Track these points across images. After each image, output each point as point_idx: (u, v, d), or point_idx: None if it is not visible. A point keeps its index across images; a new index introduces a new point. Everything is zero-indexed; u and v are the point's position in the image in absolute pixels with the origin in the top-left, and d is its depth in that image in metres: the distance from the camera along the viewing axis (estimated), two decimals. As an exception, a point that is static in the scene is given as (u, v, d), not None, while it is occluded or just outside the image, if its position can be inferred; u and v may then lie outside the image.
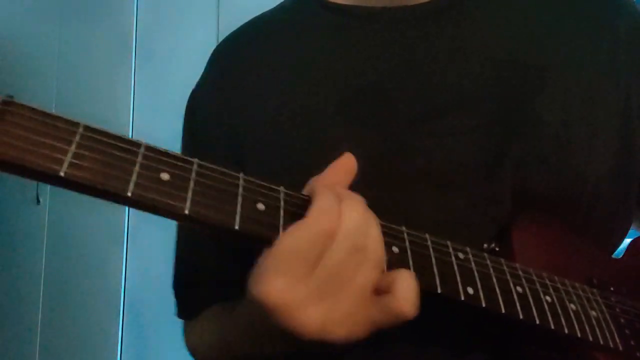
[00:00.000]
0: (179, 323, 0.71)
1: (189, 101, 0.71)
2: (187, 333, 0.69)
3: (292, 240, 0.39)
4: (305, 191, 0.44)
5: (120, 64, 2.71)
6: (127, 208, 2.96)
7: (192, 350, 0.67)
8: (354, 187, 0.57)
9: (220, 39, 0.73)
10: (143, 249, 2.59)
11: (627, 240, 0.67)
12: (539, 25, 0.63)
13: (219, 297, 0.64)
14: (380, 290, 0.42)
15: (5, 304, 2.63)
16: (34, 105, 0.36)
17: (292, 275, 0.38)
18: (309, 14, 0.67)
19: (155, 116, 2.53)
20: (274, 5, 0.72)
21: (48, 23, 2.78)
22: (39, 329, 2.60)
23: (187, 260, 0.69)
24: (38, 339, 2.60)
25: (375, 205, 0.48)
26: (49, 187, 2.59)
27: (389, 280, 0.42)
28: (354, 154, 0.58)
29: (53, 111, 0.37)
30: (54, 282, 2.61)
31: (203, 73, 0.71)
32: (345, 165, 0.47)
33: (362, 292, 0.41)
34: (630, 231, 0.72)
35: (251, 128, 0.63)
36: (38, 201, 2.62)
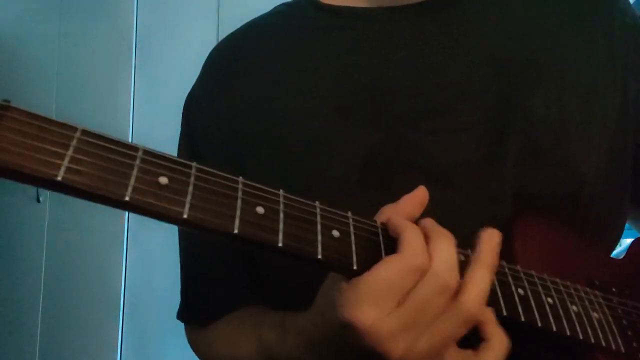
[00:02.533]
0: (178, 323, 0.71)
1: (186, 103, 0.70)
2: (198, 340, 0.68)
3: (388, 272, 0.41)
4: (381, 218, 0.46)
5: (120, 64, 2.71)
6: (127, 208, 2.96)
7: (203, 354, 0.67)
8: (351, 185, 0.57)
9: (220, 39, 0.73)
10: (143, 250, 2.59)
11: (627, 241, 0.67)
12: (535, 22, 0.63)
13: (231, 304, 0.64)
14: None
15: (5, 304, 2.63)
16: (31, 109, 0.35)
17: (384, 305, 0.41)
18: (305, 16, 0.67)
19: (155, 116, 2.53)
20: (274, 4, 0.72)
21: (48, 23, 2.77)
22: (39, 329, 2.60)
23: (195, 264, 0.69)
24: (38, 339, 2.59)
25: (374, 203, 0.48)
26: (49, 187, 2.60)
27: (483, 336, 0.45)
28: (352, 153, 0.58)
29: (53, 111, 0.36)
30: (54, 282, 2.61)
31: (200, 75, 0.71)
32: (420, 198, 0.48)
33: (447, 336, 0.43)
34: (631, 231, 0.72)
35: (249, 130, 0.63)
36: (38, 200, 2.61)
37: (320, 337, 0.48)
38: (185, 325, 0.71)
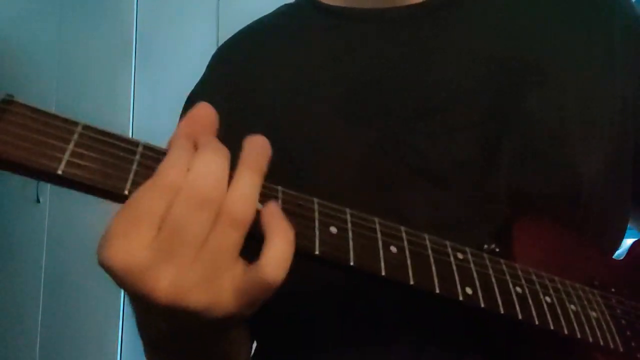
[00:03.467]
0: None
1: (186, 102, 0.71)
2: None
3: (134, 198, 0.36)
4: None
5: (120, 64, 2.71)
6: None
7: None
8: (348, 185, 0.57)
9: (220, 39, 0.73)
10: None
11: (628, 242, 0.67)
12: (534, 23, 0.63)
13: None
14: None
15: (5, 304, 2.63)
16: (34, 104, 0.36)
17: (135, 236, 0.35)
18: (305, 17, 0.68)
19: (155, 116, 2.53)
20: (274, 5, 0.73)
21: (48, 23, 2.78)
22: (39, 329, 2.60)
23: None
24: (38, 339, 2.60)
25: (369, 203, 0.47)
26: (49, 186, 2.60)
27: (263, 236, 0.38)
28: (348, 153, 0.58)
29: (53, 111, 0.37)
30: (54, 282, 2.61)
31: (202, 76, 0.71)
32: (199, 116, 0.41)
33: (220, 254, 0.36)
34: (632, 232, 0.72)
35: (248, 129, 0.63)
36: (38, 201, 2.62)
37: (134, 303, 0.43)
38: None
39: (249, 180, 0.38)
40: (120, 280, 0.36)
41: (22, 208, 2.65)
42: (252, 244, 0.38)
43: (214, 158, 0.37)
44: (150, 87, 2.69)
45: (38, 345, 2.59)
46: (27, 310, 2.61)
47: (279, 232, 0.38)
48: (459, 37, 0.61)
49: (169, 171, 0.36)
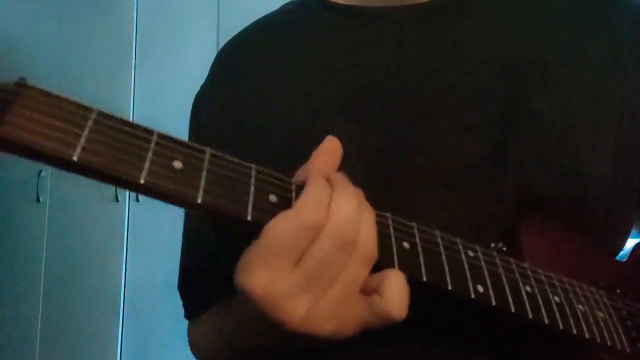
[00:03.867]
0: (178, 323, 0.71)
1: (193, 105, 0.70)
2: (190, 332, 0.68)
3: (276, 232, 0.38)
4: (298, 178, 0.43)
5: (120, 64, 2.71)
6: (127, 207, 2.95)
7: (194, 349, 0.67)
8: (357, 186, 0.57)
9: (220, 40, 0.73)
10: (143, 249, 2.59)
11: (631, 243, 0.67)
12: (541, 23, 0.63)
13: (217, 297, 0.63)
14: (371, 290, 0.42)
15: (5, 304, 2.63)
16: (47, 88, 0.35)
17: (276, 267, 0.38)
18: (311, 15, 0.67)
19: (155, 116, 2.53)
20: (274, 5, 0.72)
21: (48, 23, 2.78)
22: (39, 329, 2.60)
23: (192, 260, 0.69)
24: (38, 339, 2.59)
25: (377, 204, 0.47)
26: (49, 186, 2.60)
27: (378, 280, 0.42)
28: (355, 154, 0.58)
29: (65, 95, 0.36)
30: (54, 282, 2.61)
31: (207, 77, 0.71)
32: (331, 149, 0.45)
33: (350, 287, 0.40)
34: (634, 233, 0.72)
35: (254, 129, 0.63)
36: (38, 200, 2.61)
37: (244, 312, 0.46)
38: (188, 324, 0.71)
39: (371, 219, 0.42)
40: (259, 305, 0.38)
41: (22, 208, 2.64)
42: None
43: (351, 199, 0.41)
44: (150, 87, 2.69)
45: (38, 345, 2.59)
46: (27, 310, 2.60)
47: (393, 271, 0.42)
48: (467, 38, 0.61)
49: (312, 209, 0.39)
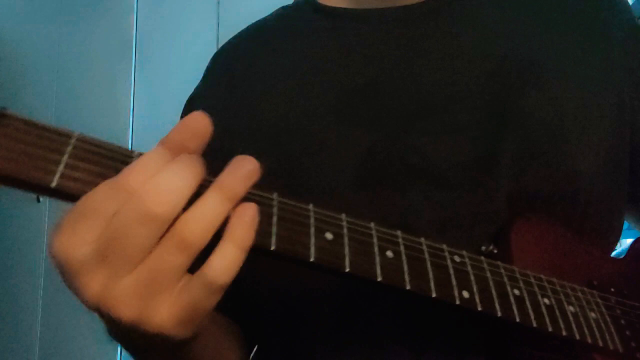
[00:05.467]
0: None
1: (186, 105, 0.71)
2: None
3: (90, 193, 0.34)
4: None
5: (120, 64, 2.71)
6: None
7: None
8: (347, 187, 0.57)
9: (220, 39, 0.73)
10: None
11: (627, 241, 0.67)
12: (532, 23, 0.63)
13: None
14: None
15: (5, 304, 2.63)
16: (27, 117, 0.35)
17: (80, 230, 0.34)
18: (304, 18, 0.68)
19: (155, 116, 2.53)
20: (274, 5, 0.73)
21: (48, 23, 2.78)
22: (39, 329, 2.60)
23: None
24: (38, 339, 2.60)
25: (370, 204, 0.47)
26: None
27: None
28: (348, 154, 0.58)
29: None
30: (54, 282, 2.61)
31: (202, 79, 0.71)
32: (191, 126, 0.38)
33: (159, 273, 0.35)
34: (632, 231, 0.72)
35: (249, 132, 0.63)
36: (38, 200, 2.62)
37: None
38: None
39: (216, 205, 0.35)
40: (59, 271, 0.35)
41: (22, 208, 2.65)
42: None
43: (181, 173, 0.35)
44: (150, 87, 2.69)
45: (38, 345, 2.59)
46: (27, 310, 2.61)
47: (234, 237, 0.35)
48: (456, 37, 0.61)
49: (131, 174, 0.34)
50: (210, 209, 0.35)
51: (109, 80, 2.70)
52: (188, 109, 0.71)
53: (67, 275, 0.35)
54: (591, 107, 0.61)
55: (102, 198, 0.34)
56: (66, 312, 2.60)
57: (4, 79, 2.67)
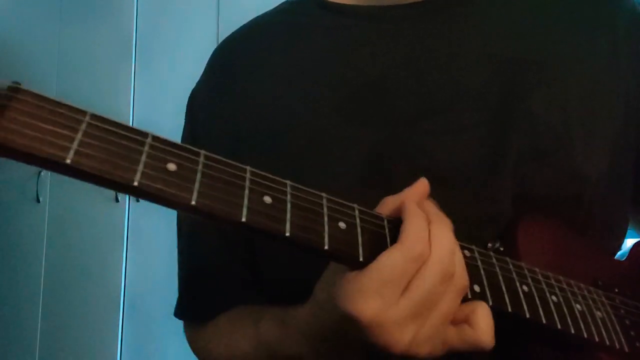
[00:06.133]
0: (178, 322, 0.71)
1: (189, 102, 0.70)
2: (196, 338, 0.67)
3: (390, 262, 0.41)
4: (383, 209, 0.46)
5: (120, 64, 2.71)
6: (127, 207, 2.94)
7: (205, 355, 0.66)
8: (352, 185, 0.57)
9: (220, 39, 0.72)
10: (143, 249, 2.59)
11: (629, 242, 0.67)
12: (538, 22, 0.63)
13: (230, 301, 0.63)
14: (459, 319, 0.45)
15: (5, 304, 2.63)
16: (40, 92, 0.35)
17: (387, 296, 0.41)
18: (308, 14, 0.67)
19: (156, 116, 2.53)
20: (274, 4, 0.72)
21: (48, 23, 2.78)
22: (39, 329, 2.60)
23: (194, 261, 0.68)
24: (38, 339, 2.59)
25: (375, 203, 0.47)
26: (48, 186, 2.60)
27: (467, 310, 0.45)
28: (352, 153, 0.58)
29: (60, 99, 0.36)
30: (54, 282, 2.61)
31: (203, 74, 0.70)
32: (421, 190, 0.49)
33: (446, 315, 0.43)
34: (633, 233, 0.72)
35: (250, 128, 0.63)
36: (38, 200, 2.61)
37: (319, 331, 0.47)
38: (184, 323, 0.70)
39: (459, 249, 0.45)
40: (366, 330, 0.41)
41: (22, 208, 2.64)
42: None
43: (449, 233, 0.44)
44: (150, 87, 2.69)
45: (38, 345, 2.59)
46: (27, 310, 2.61)
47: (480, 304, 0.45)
48: (463, 36, 0.61)
49: (417, 242, 0.42)
50: (460, 253, 0.45)
51: (109, 80, 2.70)
52: (191, 103, 0.70)
53: (376, 332, 0.41)
54: (597, 108, 0.60)
55: (402, 267, 0.41)
56: (66, 311, 2.60)
57: (3, 78, 2.67)
